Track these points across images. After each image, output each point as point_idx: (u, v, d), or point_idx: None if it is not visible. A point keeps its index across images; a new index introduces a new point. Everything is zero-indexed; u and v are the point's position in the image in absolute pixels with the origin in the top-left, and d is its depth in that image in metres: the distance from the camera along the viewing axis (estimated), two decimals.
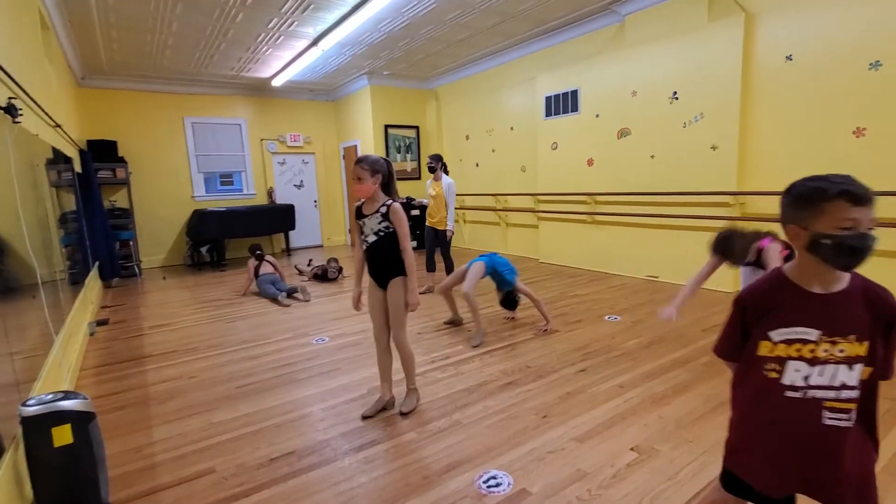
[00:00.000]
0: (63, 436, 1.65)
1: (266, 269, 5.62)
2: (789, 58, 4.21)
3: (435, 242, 5.25)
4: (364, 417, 2.46)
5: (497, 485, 1.89)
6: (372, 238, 2.36)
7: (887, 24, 3.65)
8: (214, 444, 2.28)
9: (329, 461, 2.10)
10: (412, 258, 2.36)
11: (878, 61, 3.72)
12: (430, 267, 5.32)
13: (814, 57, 4.06)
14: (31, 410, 1.62)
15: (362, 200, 2.41)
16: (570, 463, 2.02)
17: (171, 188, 8.14)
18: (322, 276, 6.28)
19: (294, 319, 4.46)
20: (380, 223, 2.32)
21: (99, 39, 5.79)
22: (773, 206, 4.43)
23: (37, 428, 1.62)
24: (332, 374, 3.10)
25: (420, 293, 4.05)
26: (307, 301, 5.14)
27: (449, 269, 5.19)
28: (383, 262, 2.37)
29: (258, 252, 5.77)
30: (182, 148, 8.19)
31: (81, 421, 1.69)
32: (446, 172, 5.16)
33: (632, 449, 2.11)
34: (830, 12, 3.93)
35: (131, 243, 7.22)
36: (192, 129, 8.25)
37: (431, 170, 5.11)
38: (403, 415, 2.47)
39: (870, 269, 0.97)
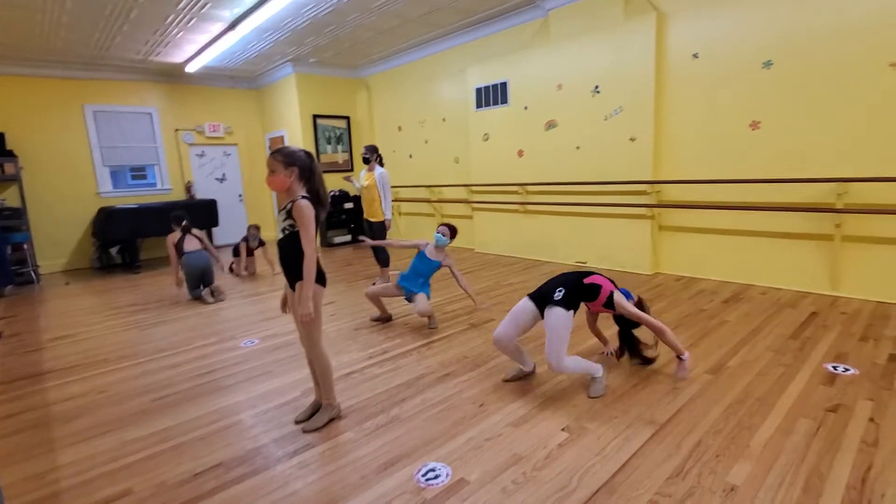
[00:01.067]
0: None
1: (191, 244, 4.96)
2: (696, 55, 4.52)
3: (371, 235, 5.14)
4: (297, 422, 2.37)
5: (436, 477, 1.89)
6: (279, 235, 2.24)
7: (777, 27, 4.02)
8: (129, 464, 2.10)
9: (260, 470, 2.00)
10: (309, 261, 2.12)
11: (770, 60, 4.10)
12: (381, 261, 5.14)
13: (716, 55, 4.40)
14: None
15: None
16: (506, 448, 2.06)
17: (72, 184, 7.37)
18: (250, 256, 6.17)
19: (220, 322, 4.21)
20: (284, 220, 2.19)
21: None
22: (684, 193, 4.79)
23: None
24: (262, 377, 2.96)
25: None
26: (222, 300, 4.93)
27: (381, 261, 5.11)
28: (288, 262, 2.23)
29: (184, 223, 4.98)
30: (83, 139, 7.42)
31: None
32: (381, 164, 5.06)
33: (563, 429, 2.19)
34: (730, 14, 4.26)
35: (25, 246, 6.46)
36: (95, 118, 7.49)
37: (366, 161, 4.99)
38: (305, 432, 2.29)
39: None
